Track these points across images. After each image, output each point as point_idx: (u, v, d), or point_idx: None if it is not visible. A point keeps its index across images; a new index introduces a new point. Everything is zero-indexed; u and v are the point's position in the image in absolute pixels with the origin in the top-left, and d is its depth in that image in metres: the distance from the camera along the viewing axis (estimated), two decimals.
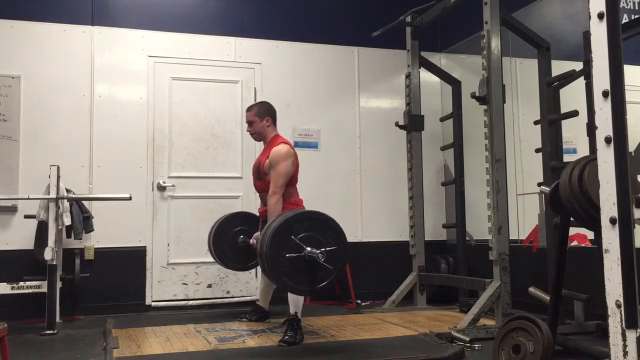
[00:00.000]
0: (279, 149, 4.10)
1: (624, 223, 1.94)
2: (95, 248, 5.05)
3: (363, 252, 5.69)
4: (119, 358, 3.27)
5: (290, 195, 4.13)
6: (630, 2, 4.31)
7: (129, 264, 5.13)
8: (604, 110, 1.99)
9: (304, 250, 3.25)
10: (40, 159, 4.88)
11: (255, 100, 5.45)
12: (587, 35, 2.19)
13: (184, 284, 5.28)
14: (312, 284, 3.30)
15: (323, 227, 3.34)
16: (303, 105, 5.77)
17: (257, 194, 4.44)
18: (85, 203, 4.82)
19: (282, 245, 3.24)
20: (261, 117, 4.29)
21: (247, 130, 4.41)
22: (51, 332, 4.15)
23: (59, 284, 4.46)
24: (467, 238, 5.33)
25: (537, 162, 4.31)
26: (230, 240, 4.66)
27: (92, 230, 4.86)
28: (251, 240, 4.44)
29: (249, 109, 4.38)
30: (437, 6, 5.01)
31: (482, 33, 4.25)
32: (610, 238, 1.97)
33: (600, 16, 2.01)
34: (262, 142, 4.41)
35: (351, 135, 5.92)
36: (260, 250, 3.34)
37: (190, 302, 5.25)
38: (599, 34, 2.02)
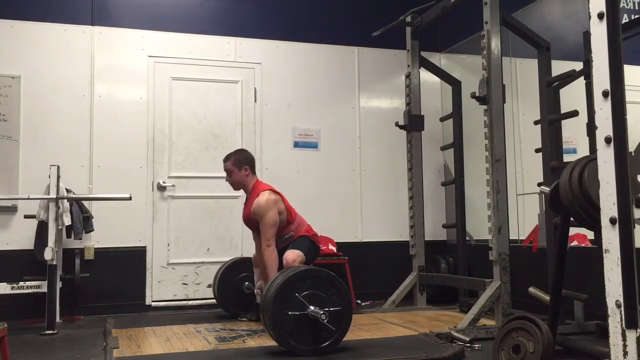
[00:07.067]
0: (259, 200, 4.11)
1: (624, 223, 1.94)
2: (95, 248, 5.05)
3: (363, 252, 5.69)
4: (119, 358, 3.27)
5: (299, 227, 4.21)
6: (630, 2, 4.31)
7: (129, 264, 5.13)
8: (604, 110, 1.99)
9: (307, 309, 3.20)
10: (40, 159, 4.88)
11: (255, 100, 5.46)
12: (587, 35, 2.19)
13: (184, 284, 5.28)
14: (315, 344, 3.22)
15: (327, 285, 3.29)
16: (303, 105, 5.77)
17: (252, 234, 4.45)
18: (85, 203, 4.83)
19: (285, 303, 3.19)
20: (239, 167, 4.29)
21: (226, 180, 4.39)
22: (51, 332, 4.15)
23: (59, 284, 4.46)
24: (467, 238, 5.32)
25: (537, 162, 4.31)
26: (235, 287, 4.66)
27: (92, 230, 4.86)
28: (255, 290, 4.45)
29: (226, 159, 4.35)
30: (437, 6, 5.01)
31: (482, 33, 4.25)
32: (610, 238, 1.97)
33: (600, 16, 2.01)
34: (243, 188, 4.37)
35: (351, 135, 5.92)
36: (262, 306, 3.32)
37: (190, 302, 5.26)
38: (599, 34, 2.02)
